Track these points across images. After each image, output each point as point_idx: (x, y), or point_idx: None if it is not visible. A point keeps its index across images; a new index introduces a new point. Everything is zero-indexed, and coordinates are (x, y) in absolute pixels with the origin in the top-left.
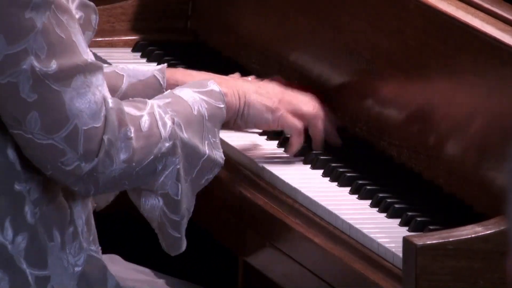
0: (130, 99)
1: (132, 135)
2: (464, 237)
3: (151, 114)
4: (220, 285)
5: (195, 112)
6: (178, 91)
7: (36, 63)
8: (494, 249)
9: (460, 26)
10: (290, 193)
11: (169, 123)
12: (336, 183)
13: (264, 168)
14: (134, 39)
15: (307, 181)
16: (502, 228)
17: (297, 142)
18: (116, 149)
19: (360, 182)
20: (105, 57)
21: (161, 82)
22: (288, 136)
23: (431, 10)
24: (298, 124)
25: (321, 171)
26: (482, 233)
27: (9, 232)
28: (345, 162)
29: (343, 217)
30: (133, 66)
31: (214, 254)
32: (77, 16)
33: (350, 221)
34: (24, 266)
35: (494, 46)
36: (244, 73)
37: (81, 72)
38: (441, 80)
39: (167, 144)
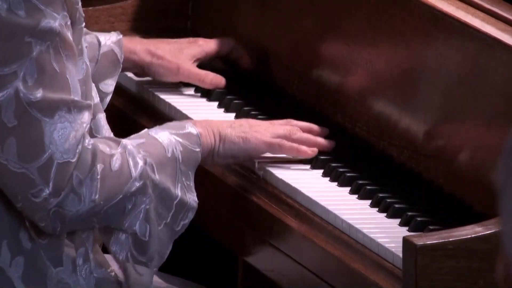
0: (106, 136)
1: (99, 176)
2: (464, 237)
3: (123, 154)
4: (220, 285)
5: (169, 155)
6: (154, 132)
7: (22, 88)
8: (494, 249)
9: (460, 26)
10: (290, 193)
11: (140, 163)
12: (336, 183)
13: (264, 168)
14: None
15: (307, 181)
16: None
17: (291, 149)
18: (84, 188)
19: (360, 182)
20: None
21: (119, 57)
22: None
23: (431, 10)
24: (276, 141)
25: (321, 171)
26: (482, 233)
27: (7, 255)
28: (345, 162)
29: (343, 217)
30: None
31: (214, 254)
32: (84, 45)
33: (350, 221)
34: None
35: (494, 46)
36: (244, 73)
37: (66, 106)
38: (441, 80)
39: (137, 184)
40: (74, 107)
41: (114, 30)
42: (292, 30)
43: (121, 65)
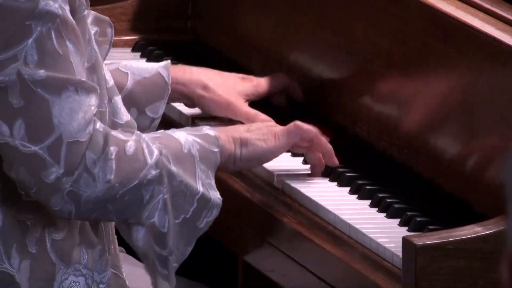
0: (119, 129)
1: (113, 156)
2: (463, 237)
3: (137, 141)
4: (220, 284)
5: (185, 151)
6: (171, 131)
7: (23, 69)
8: (493, 249)
9: (460, 26)
10: (290, 193)
11: (156, 151)
12: (336, 183)
13: (264, 169)
14: (134, 39)
15: (307, 181)
16: (502, 228)
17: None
18: (98, 168)
19: (360, 182)
20: None
21: (166, 80)
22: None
23: (431, 10)
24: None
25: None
26: (481, 233)
27: (16, 260)
28: (345, 162)
29: (343, 217)
30: (136, 63)
31: (214, 253)
32: (92, 32)
33: (350, 221)
34: None
35: (494, 46)
36: (244, 72)
37: (73, 86)
38: (441, 80)
39: (153, 172)
40: (82, 88)
41: (114, 30)
42: (292, 30)
43: (169, 88)
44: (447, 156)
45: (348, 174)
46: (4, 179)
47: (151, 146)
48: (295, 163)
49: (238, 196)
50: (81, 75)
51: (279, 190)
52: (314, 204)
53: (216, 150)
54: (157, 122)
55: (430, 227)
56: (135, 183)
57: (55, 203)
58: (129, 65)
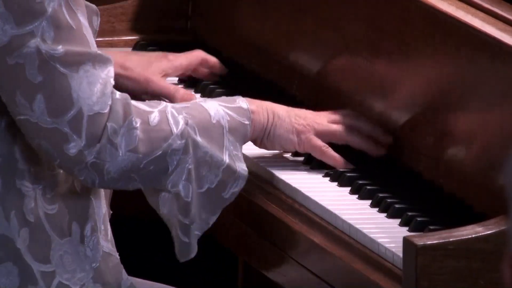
0: (146, 100)
1: (138, 125)
2: (464, 237)
3: (163, 112)
4: (220, 285)
5: (214, 121)
6: (202, 100)
7: (42, 45)
8: (494, 249)
9: (460, 26)
10: (290, 193)
11: (181, 122)
12: (336, 183)
13: (264, 169)
14: (134, 39)
15: (307, 181)
16: (502, 228)
17: (331, 158)
18: (121, 138)
19: (360, 182)
20: None
21: None
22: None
23: (431, 10)
24: (320, 143)
25: (321, 170)
26: (482, 233)
27: (16, 225)
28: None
29: (343, 217)
30: None
31: (214, 254)
32: None
33: (350, 221)
34: (30, 260)
35: (494, 46)
36: (244, 73)
37: (90, 60)
38: (441, 80)
39: (179, 142)
40: (99, 61)
41: (114, 30)
42: (292, 30)
43: None
44: (448, 156)
45: (348, 174)
46: (2, 145)
47: (177, 116)
48: (295, 163)
49: (238, 196)
50: (95, 46)
51: (279, 190)
52: (314, 204)
53: (247, 122)
54: None
55: (431, 227)
56: (159, 153)
57: (79, 173)
58: None
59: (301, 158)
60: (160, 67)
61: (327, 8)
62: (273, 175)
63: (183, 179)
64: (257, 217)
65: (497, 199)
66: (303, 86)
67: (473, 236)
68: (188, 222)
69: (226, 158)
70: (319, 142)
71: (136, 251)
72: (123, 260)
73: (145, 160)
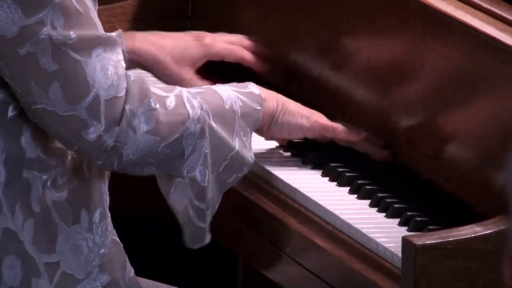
0: (163, 85)
1: (157, 106)
2: (463, 237)
3: (179, 96)
4: (220, 285)
5: (227, 107)
6: (215, 86)
7: (53, 33)
8: (493, 249)
9: (459, 26)
10: (289, 192)
11: (197, 106)
12: (335, 183)
13: (263, 168)
14: None
15: (306, 180)
16: (501, 228)
17: (344, 132)
18: (138, 119)
19: (360, 182)
20: None
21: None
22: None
23: (431, 10)
24: (330, 122)
25: (321, 171)
26: (481, 233)
27: (20, 218)
28: (344, 162)
29: (342, 217)
30: None
31: (214, 254)
32: None
33: (349, 221)
34: (33, 252)
35: (493, 46)
36: (244, 73)
37: (101, 44)
38: (441, 80)
39: (195, 126)
40: (108, 44)
41: (114, 30)
42: (292, 30)
43: (127, 56)
44: (447, 156)
45: (347, 174)
46: (5, 136)
47: (192, 100)
48: (295, 163)
49: (238, 196)
50: (102, 28)
51: (278, 189)
52: (313, 204)
53: (259, 108)
54: None
55: (430, 227)
56: (176, 136)
57: (97, 157)
58: None
59: (301, 158)
60: (195, 56)
61: (327, 8)
62: (272, 175)
63: (199, 164)
64: (256, 217)
65: (497, 199)
66: (303, 86)
67: (472, 236)
68: (204, 207)
69: (236, 145)
70: (328, 122)
71: (136, 250)
72: None
73: (163, 143)
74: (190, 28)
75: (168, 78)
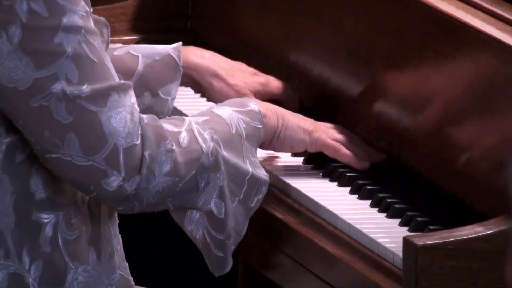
0: (167, 117)
1: (174, 147)
2: (464, 237)
3: (190, 131)
4: (220, 285)
5: (233, 131)
6: (216, 109)
7: (67, 87)
8: (494, 249)
9: (460, 26)
10: (290, 193)
11: (208, 138)
12: (336, 183)
13: (263, 168)
14: (134, 39)
15: (307, 181)
16: (502, 228)
17: (345, 156)
18: (158, 163)
19: (360, 182)
20: None
21: (177, 61)
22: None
23: (431, 10)
24: (333, 142)
25: (322, 171)
26: (482, 233)
27: (27, 261)
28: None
29: (343, 217)
30: (146, 46)
31: None
32: None
33: (350, 221)
34: None
35: (494, 46)
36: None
37: (115, 91)
38: (441, 80)
39: (209, 160)
40: (122, 90)
41: (114, 30)
42: (292, 30)
43: (181, 70)
44: (447, 156)
45: (348, 174)
46: (15, 182)
47: (203, 133)
48: (295, 163)
49: None
50: (115, 74)
51: (278, 189)
52: (314, 204)
53: (260, 126)
54: (172, 103)
55: (431, 227)
56: (192, 173)
57: (117, 204)
58: (140, 48)
59: (301, 158)
60: (252, 87)
61: (327, 8)
62: (271, 175)
63: (214, 196)
64: (257, 217)
65: (498, 199)
66: (303, 86)
67: (473, 236)
68: (223, 237)
69: (249, 167)
70: (331, 141)
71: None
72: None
73: (181, 182)
74: (190, 28)
75: (226, 96)
